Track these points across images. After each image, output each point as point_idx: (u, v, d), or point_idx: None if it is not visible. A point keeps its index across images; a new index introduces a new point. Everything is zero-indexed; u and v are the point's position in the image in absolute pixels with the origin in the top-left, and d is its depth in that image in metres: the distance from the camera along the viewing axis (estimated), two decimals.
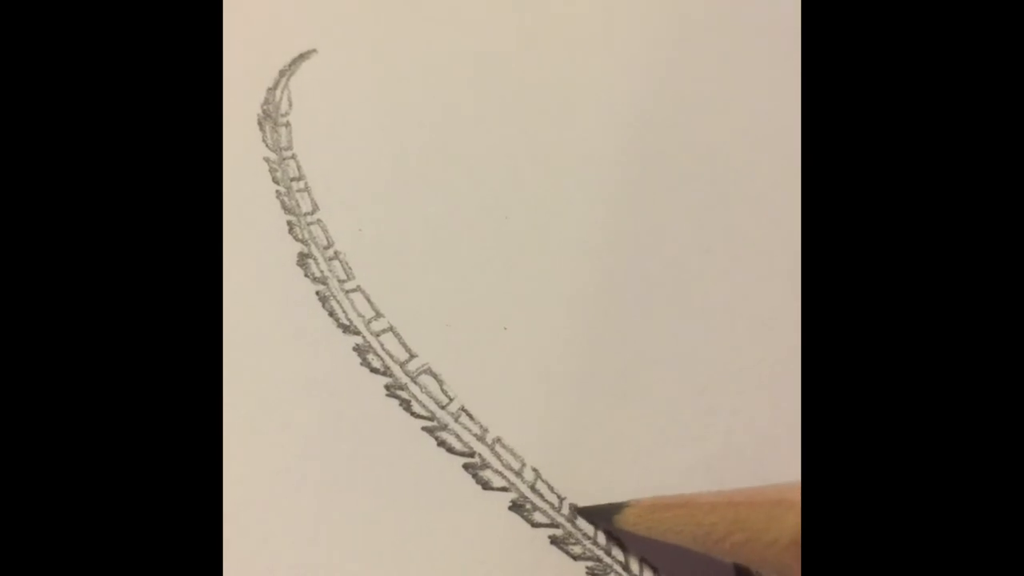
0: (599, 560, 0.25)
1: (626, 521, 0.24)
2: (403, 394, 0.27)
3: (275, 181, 0.30)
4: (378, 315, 0.28)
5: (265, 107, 0.32)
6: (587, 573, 0.25)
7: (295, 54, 0.33)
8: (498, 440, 0.26)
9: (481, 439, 0.26)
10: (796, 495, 0.19)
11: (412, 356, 0.27)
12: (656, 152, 0.33)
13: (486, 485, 0.26)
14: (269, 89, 0.32)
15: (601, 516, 0.25)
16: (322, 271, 0.29)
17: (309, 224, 0.30)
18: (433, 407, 0.27)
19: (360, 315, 0.28)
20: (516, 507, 0.25)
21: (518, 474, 0.26)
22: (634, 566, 0.25)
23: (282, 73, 0.32)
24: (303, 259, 0.29)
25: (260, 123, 0.31)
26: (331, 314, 0.28)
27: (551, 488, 0.26)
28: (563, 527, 0.25)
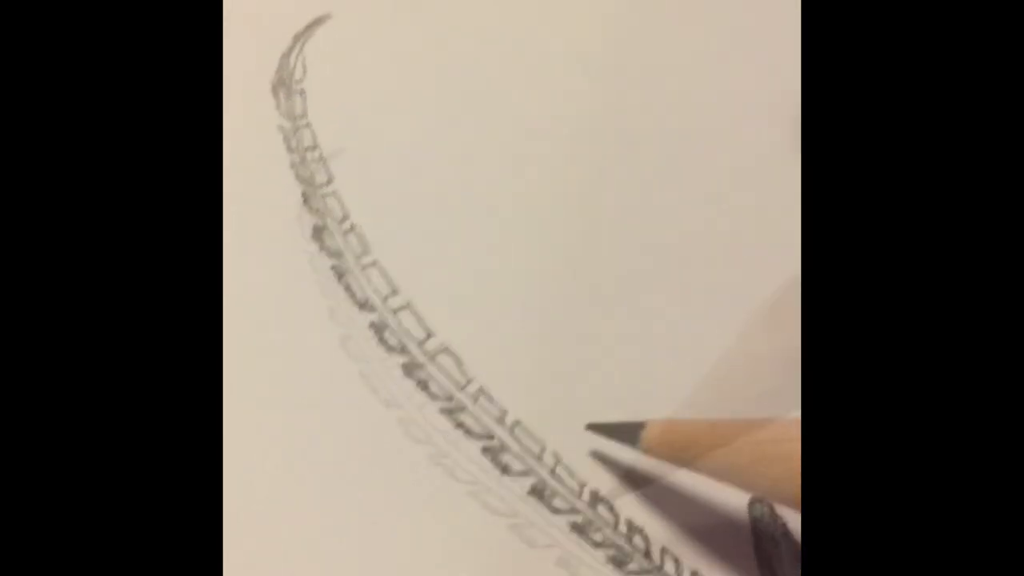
0: (620, 548, 0.24)
1: (649, 447, 0.24)
2: (420, 374, 0.26)
3: (289, 150, 0.30)
4: (395, 291, 0.27)
5: (279, 73, 0.31)
6: (608, 560, 0.24)
7: (309, 18, 0.32)
8: (517, 423, 0.26)
9: (500, 422, 0.26)
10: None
11: (430, 335, 0.27)
12: (668, 157, 0.33)
13: (505, 469, 0.25)
14: (283, 55, 0.31)
15: (624, 437, 0.25)
16: (337, 244, 0.28)
17: (324, 196, 0.29)
18: (451, 388, 0.26)
19: (377, 291, 0.27)
20: (536, 492, 0.25)
21: (538, 458, 0.25)
22: (656, 553, 0.24)
23: (296, 38, 0.31)
24: (318, 232, 0.28)
25: (274, 89, 0.30)
26: (347, 289, 0.27)
27: (571, 474, 0.25)
28: (584, 514, 0.25)
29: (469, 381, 0.26)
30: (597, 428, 0.26)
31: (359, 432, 0.26)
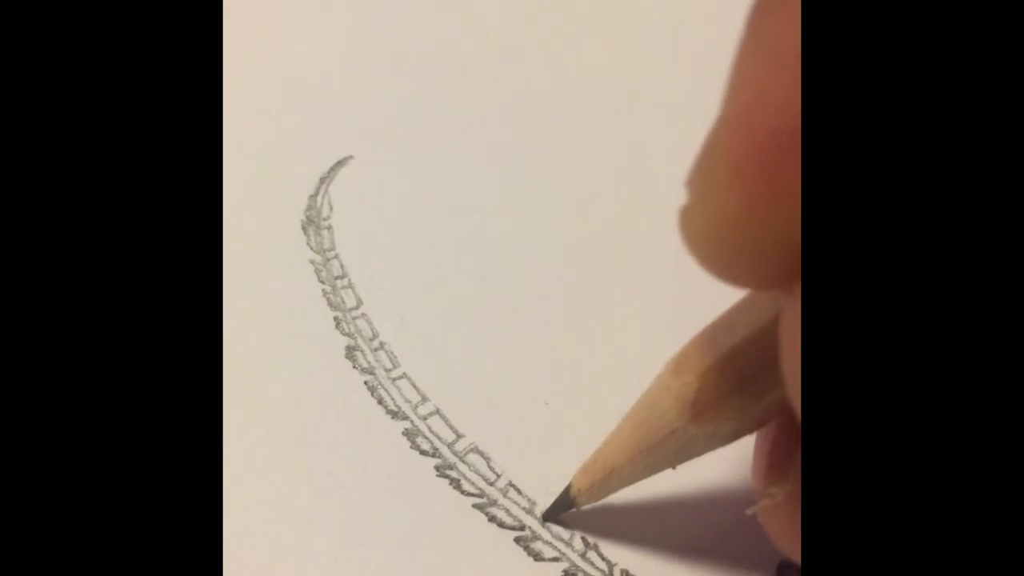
0: None
1: (579, 493, 0.26)
2: (452, 473, 0.28)
3: (321, 281, 0.32)
4: (424, 399, 0.29)
5: (308, 213, 0.34)
6: None
7: (334, 160, 0.35)
8: None
9: (530, 512, 0.27)
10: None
11: (459, 436, 0.29)
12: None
13: (537, 556, 0.26)
14: (311, 196, 0.34)
15: (562, 508, 0.27)
16: (369, 362, 0.30)
17: (355, 319, 0.31)
18: (482, 484, 0.28)
19: (407, 400, 0.29)
20: None
21: (568, 543, 0.27)
22: None
23: (322, 180, 0.35)
24: (351, 352, 0.31)
25: (304, 228, 0.33)
26: (380, 402, 0.30)
27: (601, 556, 0.26)
28: None
29: (498, 476, 0.28)
30: (547, 516, 0.27)
31: (398, 533, 0.27)
